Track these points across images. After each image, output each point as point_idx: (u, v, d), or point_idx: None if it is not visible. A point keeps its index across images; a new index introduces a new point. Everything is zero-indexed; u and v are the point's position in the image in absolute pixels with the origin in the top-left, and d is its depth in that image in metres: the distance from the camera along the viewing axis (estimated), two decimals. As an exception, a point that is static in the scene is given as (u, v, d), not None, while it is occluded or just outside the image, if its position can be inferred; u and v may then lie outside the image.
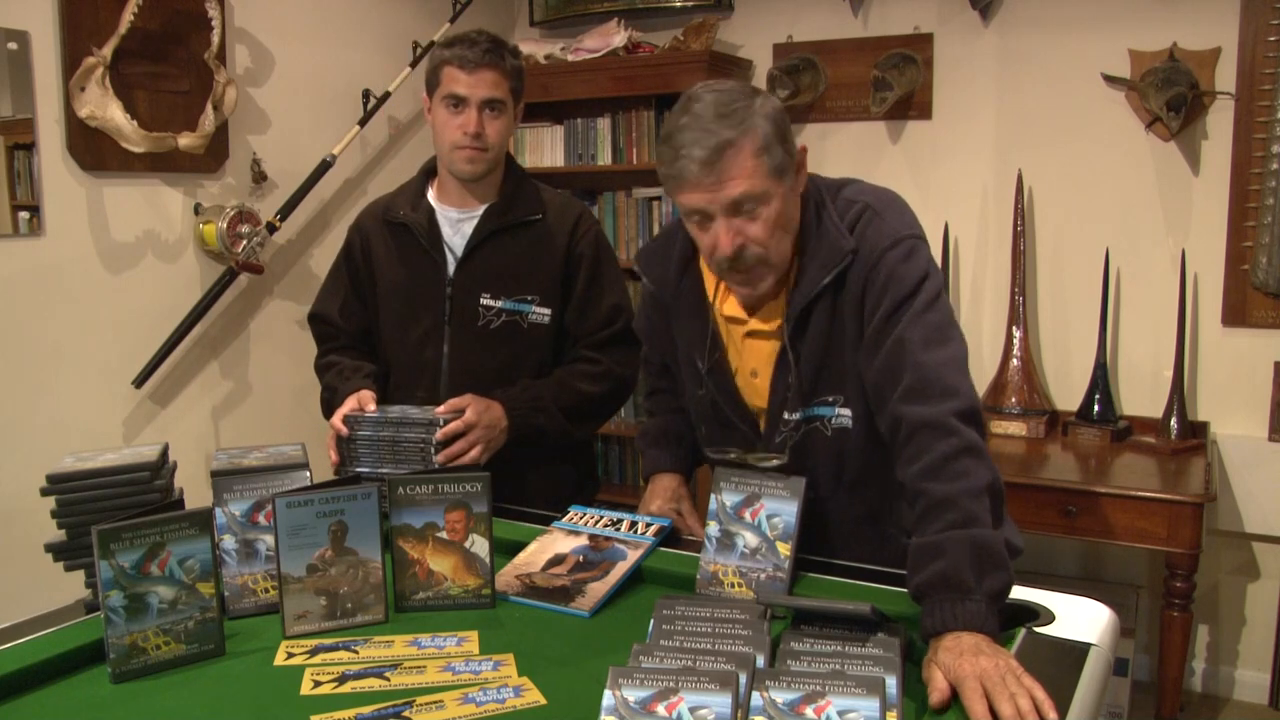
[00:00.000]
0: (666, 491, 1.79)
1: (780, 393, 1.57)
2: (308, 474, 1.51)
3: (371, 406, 1.86)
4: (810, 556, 1.53)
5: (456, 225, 2.04)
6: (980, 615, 1.22)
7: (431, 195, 2.07)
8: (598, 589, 1.50)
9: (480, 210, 2.03)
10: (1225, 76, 3.03)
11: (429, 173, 2.10)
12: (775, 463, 1.57)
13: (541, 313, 2.03)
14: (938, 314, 1.46)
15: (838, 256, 1.49)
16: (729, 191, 1.42)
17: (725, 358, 1.64)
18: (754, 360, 1.61)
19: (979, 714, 1.10)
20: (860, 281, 1.49)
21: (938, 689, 1.16)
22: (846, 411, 1.55)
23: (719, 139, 1.40)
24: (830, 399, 1.55)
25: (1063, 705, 1.11)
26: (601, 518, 1.70)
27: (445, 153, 1.99)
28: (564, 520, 1.71)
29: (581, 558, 1.60)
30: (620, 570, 1.54)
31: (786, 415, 1.57)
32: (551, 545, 1.64)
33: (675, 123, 1.44)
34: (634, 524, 1.67)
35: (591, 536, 1.64)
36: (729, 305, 1.61)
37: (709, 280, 1.63)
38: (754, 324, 1.60)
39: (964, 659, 1.16)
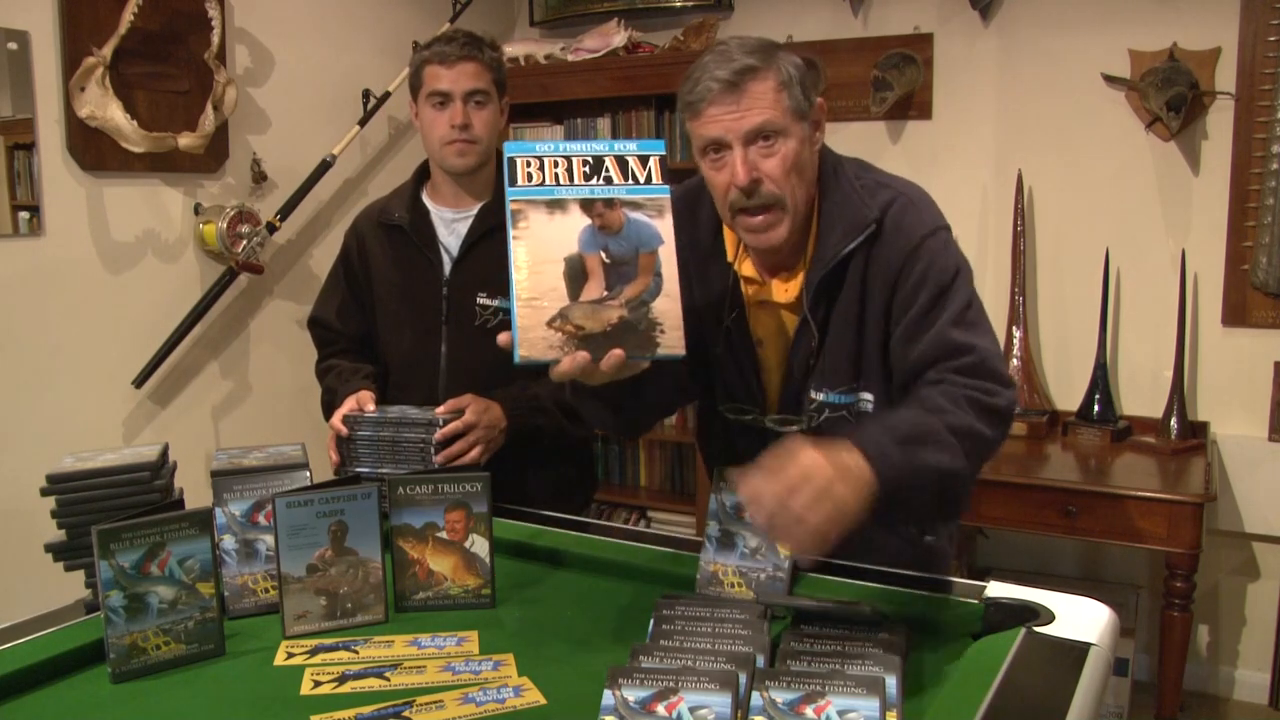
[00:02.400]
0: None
1: (802, 364, 1.53)
2: (308, 474, 1.51)
3: (371, 407, 1.87)
4: (822, 559, 1.50)
5: (451, 225, 2.04)
6: (865, 443, 1.22)
7: (425, 197, 2.08)
8: (667, 311, 1.25)
9: (474, 210, 2.03)
10: (1225, 76, 3.03)
11: (423, 175, 2.11)
12: (795, 429, 1.54)
13: (538, 310, 2.02)
14: (975, 311, 1.45)
15: (861, 225, 1.46)
16: (749, 119, 1.39)
17: (745, 317, 1.60)
18: (760, 329, 1.59)
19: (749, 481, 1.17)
20: (896, 267, 1.45)
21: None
22: (869, 395, 1.52)
23: (744, 64, 1.40)
24: (857, 384, 1.52)
25: (1062, 705, 1.11)
26: (568, 163, 1.28)
27: (435, 150, 1.99)
28: (520, 186, 1.25)
29: (605, 254, 1.26)
30: (670, 261, 1.26)
31: (813, 393, 1.53)
32: (551, 244, 1.24)
33: (700, 58, 1.45)
34: (620, 160, 1.30)
35: (585, 205, 1.26)
36: (746, 266, 1.58)
37: (729, 240, 1.59)
38: (769, 293, 1.55)
39: (800, 453, 1.17)
